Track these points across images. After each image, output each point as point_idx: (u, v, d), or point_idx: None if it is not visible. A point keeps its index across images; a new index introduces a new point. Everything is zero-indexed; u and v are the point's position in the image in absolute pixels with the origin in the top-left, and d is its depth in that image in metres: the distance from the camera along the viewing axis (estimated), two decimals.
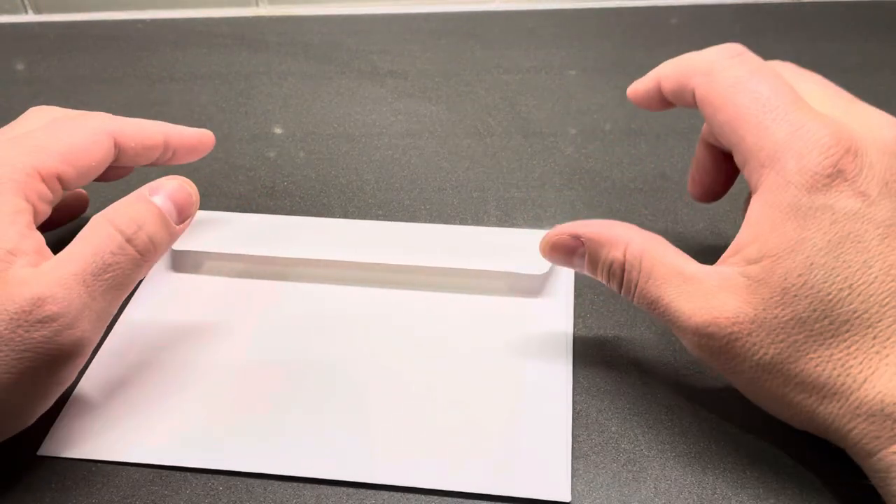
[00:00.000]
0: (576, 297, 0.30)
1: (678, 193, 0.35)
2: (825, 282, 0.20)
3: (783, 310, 0.21)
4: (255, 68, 0.46)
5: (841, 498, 0.23)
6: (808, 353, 0.21)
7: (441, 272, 0.30)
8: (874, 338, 0.20)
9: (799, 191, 0.21)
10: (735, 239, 0.23)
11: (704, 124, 0.27)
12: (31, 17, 0.53)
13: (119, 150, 0.28)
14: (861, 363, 0.20)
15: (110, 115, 0.29)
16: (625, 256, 0.24)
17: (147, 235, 0.25)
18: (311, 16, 0.52)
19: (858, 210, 0.20)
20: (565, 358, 0.27)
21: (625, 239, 0.24)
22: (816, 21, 0.48)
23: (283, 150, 0.39)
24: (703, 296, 0.22)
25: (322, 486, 0.24)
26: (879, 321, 0.20)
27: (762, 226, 0.22)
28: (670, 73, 0.26)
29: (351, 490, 0.24)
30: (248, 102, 0.43)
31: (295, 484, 0.24)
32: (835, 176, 0.21)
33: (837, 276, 0.20)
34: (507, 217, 0.34)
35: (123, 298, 0.25)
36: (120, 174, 0.32)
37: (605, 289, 0.30)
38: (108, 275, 0.24)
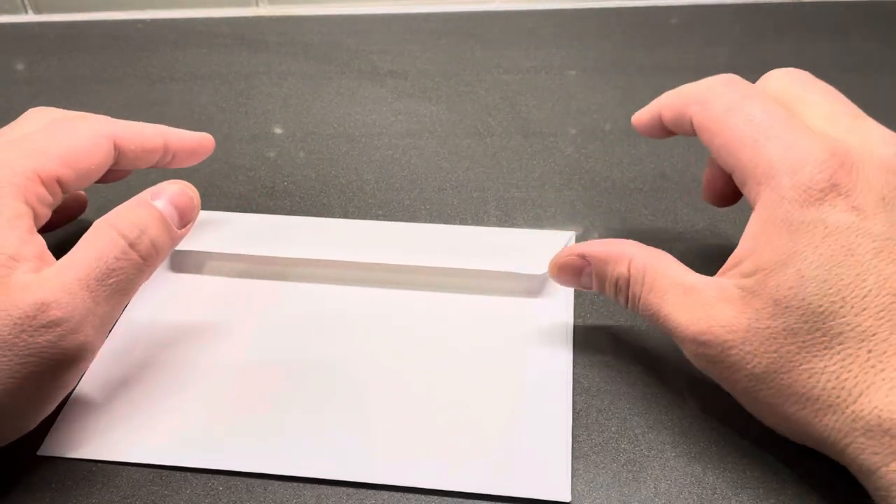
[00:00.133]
0: (576, 297, 0.30)
1: (678, 193, 0.35)
2: (816, 294, 0.20)
3: (775, 321, 0.21)
4: (255, 68, 0.46)
5: (841, 498, 0.23)
6: (800, 365, 0.21)
7: (441, 272, 0.30)
8: (869, 351, 0.20)
9: (792, 205, 0.21)
10: (734, 252, 0.23)
11: None
12: (31, 17, 0.53)
13: (119, 153, 0.28)
14: (856, 377, 0.20)
15: (110, 118, 0.29)
16: (629, 271, 0.25)
17: (150, 240, 0.25)
18: (311, 16, 0.52)
19: (852, 224, 0.21)
20: (565, 358, 0.27)
21: (628, 255, 0.25)
22: (816, 21, 0.48)
23: (283, 150, 0.39)
24: (701, 306, 0.22)
25: (322, 486, 0.24)
26: (874, 335, 0.20)
27: (758, 240, 0.22)
28: (669, 103, 0.26)
29: (351, 490, 0.24)
30: (248, 102, 0.43)
31: (295, 484, 0.24)
32: (828, 190, 0.21)
33: (829, 288, 0.20)
34: (507, 217, 0.34)
35: (126, 303, 0.25)
36: (118, 176, 0.32)
37: None
38: (112, 280, 0.24)
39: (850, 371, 0.20)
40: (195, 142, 0.30)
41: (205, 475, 0.24)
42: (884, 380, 0.20)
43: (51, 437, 0.25)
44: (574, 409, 0.26)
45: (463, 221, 0.34)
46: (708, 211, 0.34)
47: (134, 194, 0.26)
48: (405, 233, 0.33)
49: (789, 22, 0.49)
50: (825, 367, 0.20)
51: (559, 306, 0.29)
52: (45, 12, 0.53)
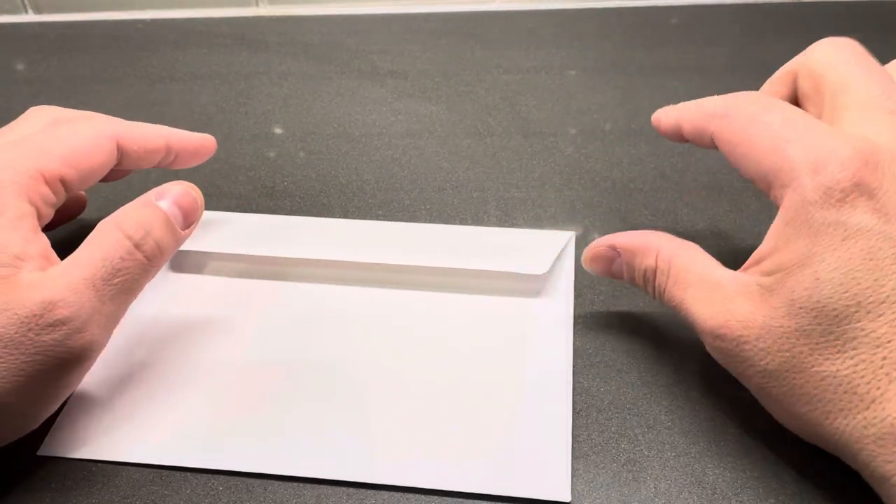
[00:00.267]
0: (576, 297, 0.30)
1: (678, 193, 0.35)
2: (831, 297, 0.20)
3: (789, 321, 0.21)
4: (255, 68, 0.46)
5: (841, 498, 0.23)
6: (812, 367, 0.20)
7: (441, 272, 0.30)
8: (884, 358, 0.20)
9: (813, 207, 0.21)
10: (758, 249, 0.23)
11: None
12: (31, 17, 0.53)
13: (121, 153, 0.28)
14: (868, 383, 0.20)
15: (113, 118, 0.29)
16: (656, 263, 0.25)
17: (154, 241, 0.25)
18: (311, 16, 0.52)
19: (874, 227, 0.20)
20: (565, 358, 0.27)
21: (656, 247, 0.25)
22: (816, 21, 0.48)
23: (283, 150, 0.39)
24: (721, 300, 0.23)
25: (322, 486, 0.24)
26: (889, 342, 0.20)
27: (779, 240, 0.22)
28: (689, 117, 0.26)
29: (351, 490, 0.24)
30: (248, 102, 0.43)
31: (295, 484, 0.24)
32: (850, 190, 0.20)
33: (845, 292, 0.20)
34: (507, 217, 0.34)
35: (131, 303, 0.25)
36: (118, 176, 0.32)
37: (605, 289, 0.30)
38: (118, 280, 0.24)
39: (862, 377, 0.20)
40: (197, 143, 0.31)
41: (205, 475, 0.24)
42: None
43: (51, 437, 0.25)
44: (574, 409, 0.26)
45: (463, 221, 0.34)
46: (708, 211, 0.34)
47: (135, 194, 0.26)
48: (405, 233, 0.33)
49: (789, 22, 0.49)
50: (837, 370, 0.20)
51: (559, 306, 0.29)
52: (45, 12, 0.53)
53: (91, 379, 0.27)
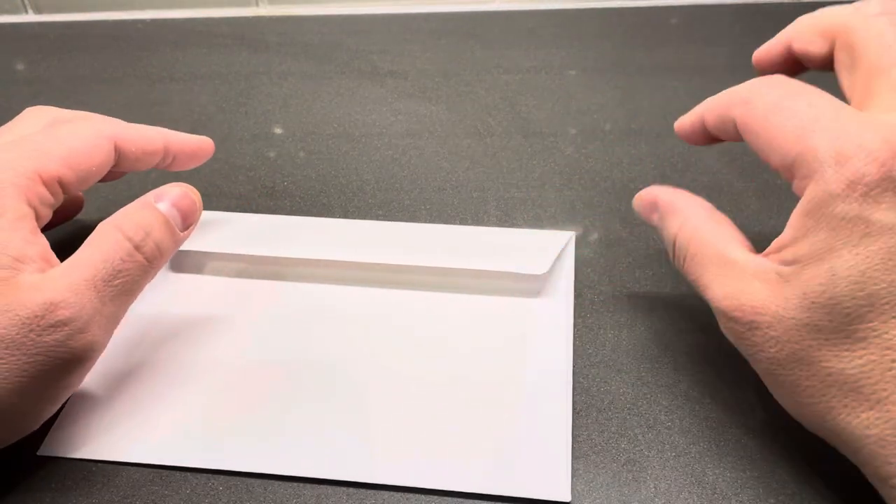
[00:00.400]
0: (576, 297, 0.30)
1: None
2: (845, 295, 0.20)
3: (801, 314, 0.20)
4: (255, 68, 0.46)
5: (841, 498, 0.23)
6: (820, 361, 0.20)
7: (441, 272, 0.30)
8: (893, 360, 0.19)
9: (835, 200, 0.20)
10: (779, 237, 0.22)
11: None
12: (31, 17, 0.53)
13: (119, 154, 0.28)
14: (875, 384, 0.19)
15: (110, 119, 0.29)
16: (678, 233, 0.25)
17: (154, 242, 0.25)
18: (311, 16, 0.52)
19: None
20: (565, 358, 0.27)
21: (683, 216, 0.25)
22: None
23: (283, 150, 0.39)
24: (737, 282, 0.22)
25: (322, 486, 0.24)
26: None
27: (798, 231, 0.21)
28: (712, 107, 0.25)
29: (351, 490, 0.24)
30: (248, 102, 0.43)
31: (295, 484, 0.24)
32: (876, 184, 0.19)
33: (860, 291, 0.19)
34: (507, 217, 0.34)
35: (131, 304, 0.25)
36: (114, 176, 0.32)
37: (605, 288, 0.30)
38: (118, 281, 0.24)
39: (869, 377, 0.20)
40: (195, 145, 0.31)
41: (205, 475, 0.24)
42: None
43: (51, 437, 0.25)
44: (574, 409, 0.26)
45: (463, 221, 0.34)
46: None
47: (135, 194, 0.27)
48: (405, 233, 0.33)
49: (789, 22, 0.49)
50: (844, 368, 0.20)
51: (559, 306, 0.29)
52: (45, 12, 0.53)
53: (92, 379, 0.27)
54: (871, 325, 0.19)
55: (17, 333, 0.22)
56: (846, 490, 0.23)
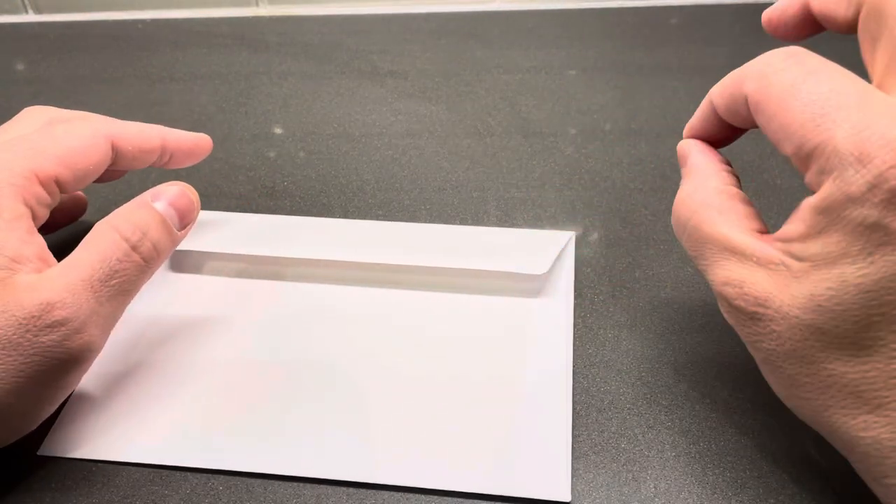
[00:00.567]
0: (576, 297, 0.30)
1: None
2: (855, 304, 0.19)
3: (806, 314, 0.20)
4: (255, 68, 0.46)
5: (840, 498, 0.23)
6: (821, 362, 0.20)
7: (441, 272, 0.30)
8: None
9: (854, 204, 0.18)
10: (789, 226, 0.21)
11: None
12: (31, 17, 0.53)
13: (116, 153, 0.28)
14: (877, 390, 0.19)
15: (107, 118, 0.29)
16: (683, 200, 0.24)
17: (151, 242, 0.25)
18: (311, 16, 0.52)
19: None
20: (565, 358, 0.27)
21: (694, 183, 0.24)
22: None
23: (283, 150, 0.39)
24: (741, 267, 0.21)
25: (322, 486, 0.24)
26: None
27: (811, 228, 0.20)
28: (721, 88, 0.24)
29: (351, 490, 0.24)
30: (248, 102, 0.43)
31: (295, 484, 0.24)
32: None
33: (872, 300, 0.19)
34: (507, 217, 0.34)
35: (128, 304, 0.25)
36: (114, 176, 0.32)
37: (605, 289, 0.30)
38: (115, 281, 0.24)
39: (871, 384, 0.19)
40: (193, 142, 0.30)
41: (205, 475, 0.24)
42: None
43: (51, 437, 0.25)
44: (574, 409, 0.26)
45: (463, 221, 0.34)
46: None
47: (135, 194, 0.27)
48: (405, 233, 0.33)
49: None
50: (845, 372, 0.20)
51: (559, 306, 0.29)
52: (45, 12, 0.53)
53: (90, 379, 0.27)
54: (878, 334, 0.19)
55: (14, 334, 0.22)
56: (846, 490, 0.23)
